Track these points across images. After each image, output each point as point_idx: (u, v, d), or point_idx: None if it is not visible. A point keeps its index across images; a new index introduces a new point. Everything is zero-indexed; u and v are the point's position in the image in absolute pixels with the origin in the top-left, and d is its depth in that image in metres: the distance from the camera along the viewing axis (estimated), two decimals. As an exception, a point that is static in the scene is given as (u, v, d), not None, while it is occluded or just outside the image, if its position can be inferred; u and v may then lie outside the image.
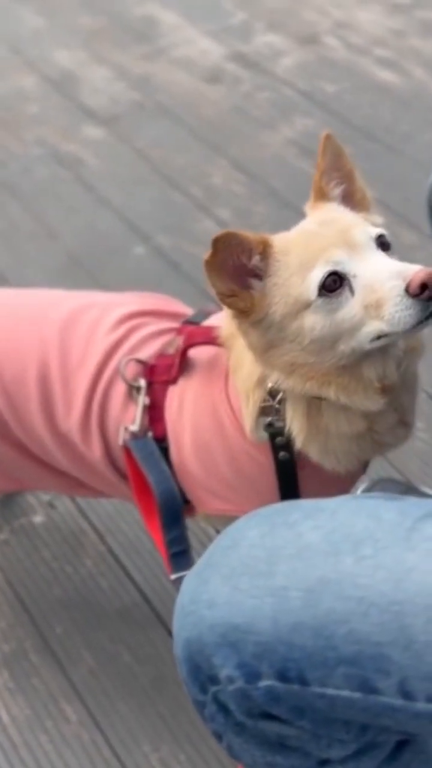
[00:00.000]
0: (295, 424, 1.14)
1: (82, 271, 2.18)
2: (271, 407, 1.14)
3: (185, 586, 0.92)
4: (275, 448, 1.17)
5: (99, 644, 1.54)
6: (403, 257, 1.10)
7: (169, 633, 1.53)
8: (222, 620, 0.86)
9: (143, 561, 1.62)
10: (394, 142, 2.39)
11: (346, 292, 1.04)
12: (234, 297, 1.06)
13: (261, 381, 1.15)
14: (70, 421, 1.27)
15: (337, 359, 1.07)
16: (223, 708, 0.90)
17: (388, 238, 1.09)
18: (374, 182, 2.27)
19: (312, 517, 0.88)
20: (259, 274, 1.07)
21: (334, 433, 1.13)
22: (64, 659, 1.53)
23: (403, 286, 1.01)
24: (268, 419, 1.15)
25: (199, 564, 0.93)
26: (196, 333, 1.23)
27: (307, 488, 1.20)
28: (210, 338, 1.20)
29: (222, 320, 1.21)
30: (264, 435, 1.16)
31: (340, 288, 1.03)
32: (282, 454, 1.16)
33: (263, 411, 1.15)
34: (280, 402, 1.14)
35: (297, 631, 0.83)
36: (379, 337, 1.05)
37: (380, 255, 1.06)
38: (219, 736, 0.94)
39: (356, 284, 1.04)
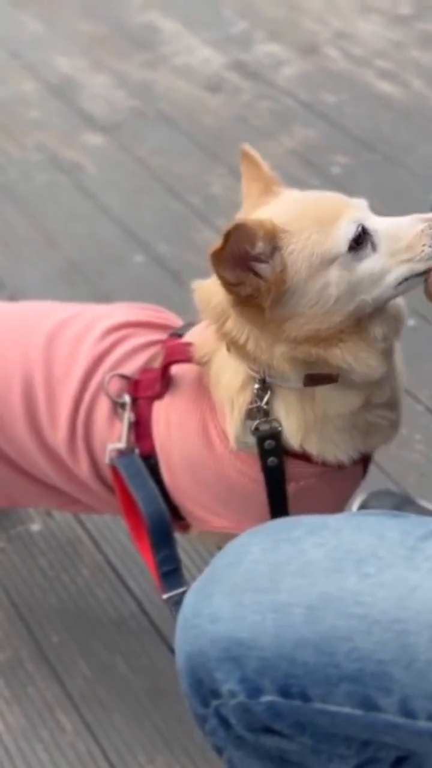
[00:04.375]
0: (291, 420, 1.13)
1: (80, 278, 2.18)
2: (258, 409, 1.13)
3: (187, 601, 0.92)
4: (263, 455, 1.15)
5: (95, 654, 1.54)
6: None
7: (165, 643, 1.53)
8: (225, 635, 0.87)
9: (140, 571, 1.62)
10: (393, 154, 2.40)
11: (368, 246, 1.07)
12: (241, 285, 1.06)
13: (245, 384, 1.14)
14: (57, 437, 1.26)
15: (356, 312, 1.08)
16: (225, 722, 0.90)
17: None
18: (373, 193, 2.28)
19: (315, 534, 0.89)
20: (261, 258, 1.06)
21: (332, 415, 1.13)
22: (60, 668, 1.53)
23: (431, 225, 1.07)
24: (255, 423, 1.14)
25: (201, 579, 0.93)
26: (175, 350, 1.21)
27: (297, 506, 1.18)
28: (189, 356, 1.19)
29: (197, 337, 1.19)
30: (251, 440, 1.15)
31: (364, 243, 1.07)
32: (271, 459, 1.15)
33: (249, 414, 1.14)
34: (267, 402, 1.13)
35: (299, 648, 0.83)
36: (406, 279, 1.09)
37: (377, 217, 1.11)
38: (219, 750, 0.94)
39: (377, 238, 1.08)
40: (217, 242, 1.03)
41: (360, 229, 1.07)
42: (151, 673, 1.50)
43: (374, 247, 1.07)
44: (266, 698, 0.86)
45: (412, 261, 1.07)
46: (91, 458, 1.26)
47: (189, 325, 1.27)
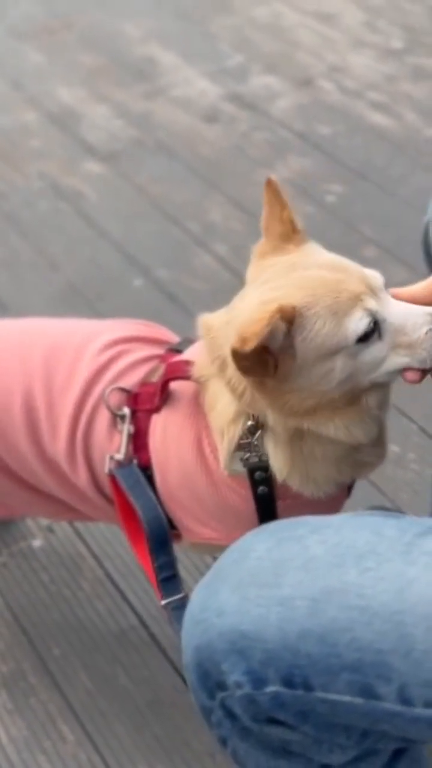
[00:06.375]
0: (278, 459, 1.17)
1: (81, 302, 2.23)
2: (248, 444, 1.17)
3: (194, 597, 0.96)
4: (254, 483, 1.19)
5: (96, 666, 1.56)
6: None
7: (165, 656, 1.56)
8: (231, 628, 0.90)
9: (140, 585, 1.65)
10: (386, 183, 2.46)
11: (375, 334, 1.09)
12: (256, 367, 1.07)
13: (237, 417, 1.17)
14: (57, 447, 1.30)
15: (353, 389, 1.11)
16: (230, 713, 0.93)
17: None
18: (368, 221, 2.37)
19: (317, 532, 0.93)
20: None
21: (319, 458, 1.16)
22: (62, 680, 1.55)
23: None
24: (246, 455, 1.18)
25: (207, 577, 0.96)
26: (175, 367, 1.24)
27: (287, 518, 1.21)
28: (188, 374, 1.22)
29: (197, 356, 1.22)
30: (240, 468, 1.19)
31: (372, 334, 1.08)
32: (261, 488, 1.19)
33: (240, 447, 1.18)
34: (258, 438, 1.16)
35: (302, 639, 0.87)
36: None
37: (391, 298, 1.11)
38: (224, 742, 0.97)
39: (385, 328, 1.09)
40: (241, 343, 1.02)
41: (371, 324, 1.08)
42: (151, 685, 1.53)
43: (380, 336, 1.09)
44: (271, 688, 0.89)
45: (409, 357, 1.10)
46: (90, 468, 1.29)
47: (186, 341, 1.30)
